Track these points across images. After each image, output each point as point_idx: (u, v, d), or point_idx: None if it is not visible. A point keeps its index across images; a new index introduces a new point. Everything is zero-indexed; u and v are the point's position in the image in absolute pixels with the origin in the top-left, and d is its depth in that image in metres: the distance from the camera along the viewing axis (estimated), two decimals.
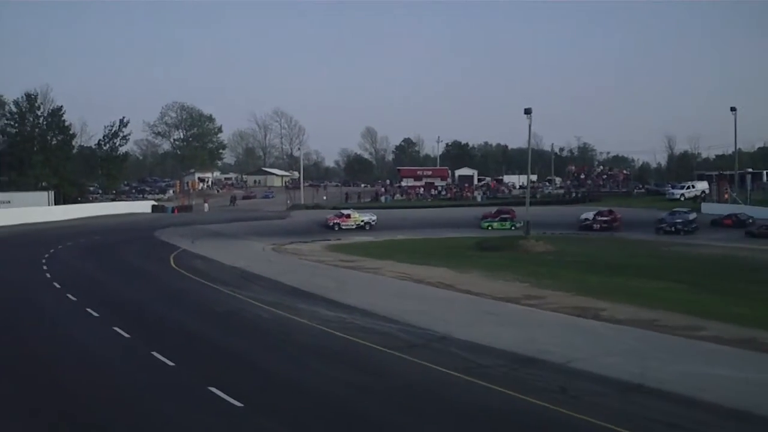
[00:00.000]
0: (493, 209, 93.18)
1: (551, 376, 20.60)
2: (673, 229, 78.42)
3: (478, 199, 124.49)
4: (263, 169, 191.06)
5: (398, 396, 18.65)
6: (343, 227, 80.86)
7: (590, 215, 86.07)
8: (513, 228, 78.96)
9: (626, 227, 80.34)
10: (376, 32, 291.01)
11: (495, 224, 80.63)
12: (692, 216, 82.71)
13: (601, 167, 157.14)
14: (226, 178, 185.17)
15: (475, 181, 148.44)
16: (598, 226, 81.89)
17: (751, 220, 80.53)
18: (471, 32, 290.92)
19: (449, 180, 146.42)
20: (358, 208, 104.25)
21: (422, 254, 57.27)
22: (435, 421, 16.76)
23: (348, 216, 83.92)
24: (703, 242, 68.63)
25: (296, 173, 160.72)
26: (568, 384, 19.66)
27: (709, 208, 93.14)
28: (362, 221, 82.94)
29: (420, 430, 16.09)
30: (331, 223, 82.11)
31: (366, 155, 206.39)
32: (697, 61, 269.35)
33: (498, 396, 18.51)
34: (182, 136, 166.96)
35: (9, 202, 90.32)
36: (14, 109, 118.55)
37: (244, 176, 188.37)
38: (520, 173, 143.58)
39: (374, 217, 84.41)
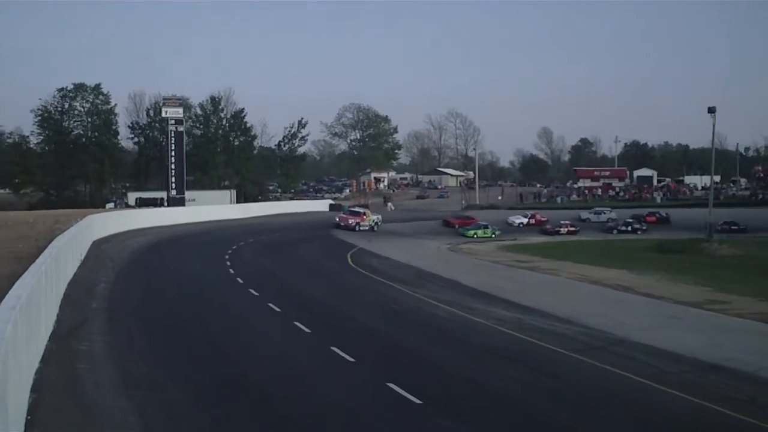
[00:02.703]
0: (452, 216, 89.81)
1: (739, 384, 19.88)
2: (629, 228, 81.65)
3: (658, 200, 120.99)
4: (438, 169, 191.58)
5: (578, 399, 18.38)
6: (362, 227, 74.55)
7: (524, 220, 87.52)
8: (494, 235, 75.81)
9: None
10: (551, 30, 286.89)
11: (479, 232, 76.45)
12: (613, 214, 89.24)
13: None
14: (401, 178, 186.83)
15: (655, 182, 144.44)
16: (566, 230, 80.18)
17: (667, 215, 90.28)
18: (651, 29, 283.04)
19: (627, 181, 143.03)
20: (534, 208, 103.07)
21: (600, 256, 56.29)
22: (617, 426, 16.44)
23: (364, 215, 77.71)
24: None
25: (471, 173, 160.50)
26: (758, 394, 18.92)
27: None
28: (373, 221, 77.53)
29: None
30: (353, 223, 74.94)
31: (541, 155, 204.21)
32: None
33: (683, 403, 17.97)
34: (359, 137, 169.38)
35: (194, 200, 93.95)
36: (200, 112, 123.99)
37: (418, 176, 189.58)
38: (702, 174, 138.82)
39: (380, 217, 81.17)
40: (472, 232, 75.98)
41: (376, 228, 76.11)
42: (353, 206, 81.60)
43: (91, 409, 14.99)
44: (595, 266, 48.88)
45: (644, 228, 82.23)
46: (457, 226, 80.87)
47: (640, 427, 16.53)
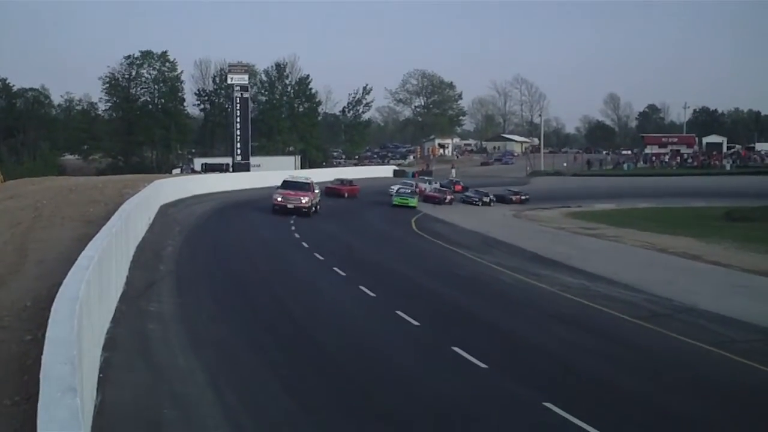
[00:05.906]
0: (339, 184, 73.08)
1: None
2: (487, 200, 75.65)
3: (727, 167, 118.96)
4: (502, 135, 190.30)
5: (645, 366, 18.26)
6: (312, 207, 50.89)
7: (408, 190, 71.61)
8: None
9: None
10: None
11: (412, 201, 65.74)
12: (437, 184, 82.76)
13: None
14: (465, 145, 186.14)
15: (724, 149, 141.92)
16: (449, 198, 73.21)
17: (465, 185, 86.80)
18: None
19: (696, 147, 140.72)
20: (599, 175, 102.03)
21: (666, 223, 55.67)
22: (684, 392, 16.30)
23: (312, 188, 52.21)
24: None
25: (536, 140, 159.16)
26: None
27: None
28: (317, 196, 53.66)
29: (669, 402, 15.56)
30: (306, 202, 49.69)
31: (608, 122, 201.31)
32: None
33: (752, 371, 17.80)
34: (423, 103, 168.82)
35: (259, 165, 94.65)
36: (265, 79, 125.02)
37: (483, 143, 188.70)
38: None
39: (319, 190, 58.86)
40: (414, 201, 65.92)
41: (317, 207, 52.86)
42: (294, 178, 54.84)
43: (161, 368, 15.25)
44: (661, 234, 48.32)
45: (494, 199, 76.44)
46: (346, 195, 69.79)
47: (706, 394, 16.37)
